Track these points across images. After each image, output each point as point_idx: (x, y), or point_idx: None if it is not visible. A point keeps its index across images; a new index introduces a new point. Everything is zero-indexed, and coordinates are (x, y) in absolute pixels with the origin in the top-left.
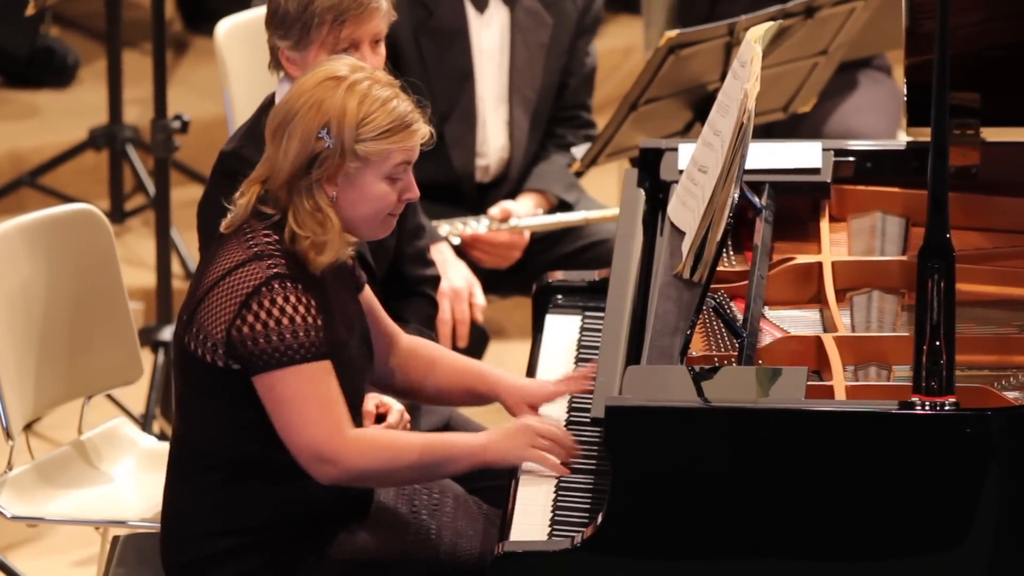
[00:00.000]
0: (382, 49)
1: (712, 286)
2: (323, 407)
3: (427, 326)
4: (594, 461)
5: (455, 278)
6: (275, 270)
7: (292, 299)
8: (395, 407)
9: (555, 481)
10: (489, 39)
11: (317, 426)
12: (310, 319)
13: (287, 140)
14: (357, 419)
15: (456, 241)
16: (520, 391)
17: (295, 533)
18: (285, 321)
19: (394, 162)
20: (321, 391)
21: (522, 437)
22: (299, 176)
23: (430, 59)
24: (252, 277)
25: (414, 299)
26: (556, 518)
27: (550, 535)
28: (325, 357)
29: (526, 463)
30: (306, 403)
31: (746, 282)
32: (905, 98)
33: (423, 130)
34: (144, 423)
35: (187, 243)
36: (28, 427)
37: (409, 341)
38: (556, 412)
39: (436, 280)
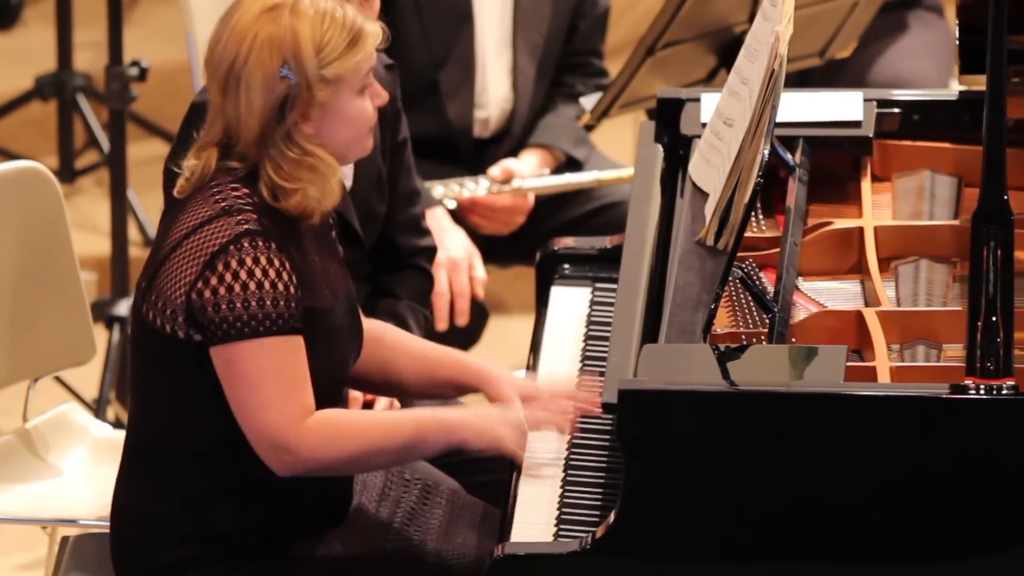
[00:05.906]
0: (376, 2)
1: (739, 254)
2: (286, 388)
3: (420, 302)
4: (605, 452)
5: (453, 247)
6: (246, 226)
7: (263, 260)
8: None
9: (561, 475)
10: None
11: (276, 410)
12: (281, 285)
13: (245, 92)
14: (339, 399)
15: (452, 205)
16: (513, 382)
17: (261, 542)
18: (252, 286)
19: (362, 72)
20: (285, 370)
21: (512, 427)
22: (272, 126)
23: None
24: (220, 234)
25: (407, 272)
26: (563, 517)
27: (556, 536)
28: (295, 332)
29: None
30: (266, 382)
31: (778, 250)
32: (957, 42)
33: (375, 29)
34: (97, 409)
35: (145, 206)
36: None
37: (370, 325)
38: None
39: (432, 251)
